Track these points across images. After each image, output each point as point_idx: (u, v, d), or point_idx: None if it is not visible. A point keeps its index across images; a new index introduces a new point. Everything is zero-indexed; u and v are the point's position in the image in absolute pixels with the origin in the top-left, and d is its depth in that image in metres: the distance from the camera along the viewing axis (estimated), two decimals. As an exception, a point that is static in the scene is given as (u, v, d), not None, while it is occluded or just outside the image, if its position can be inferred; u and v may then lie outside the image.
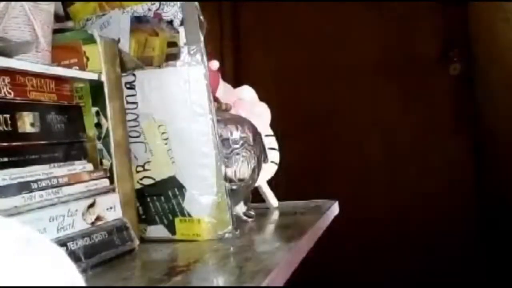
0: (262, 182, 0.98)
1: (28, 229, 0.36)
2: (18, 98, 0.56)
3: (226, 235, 0.71)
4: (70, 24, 0.84)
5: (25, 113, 0.56)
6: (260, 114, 0.97)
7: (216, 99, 0.79)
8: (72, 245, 0.55)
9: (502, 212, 2.03)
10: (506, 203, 2.01)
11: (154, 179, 0.74)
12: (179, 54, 0.73)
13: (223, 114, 0.84)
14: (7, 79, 0.55)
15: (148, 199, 0.75)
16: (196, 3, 0.73)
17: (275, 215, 0.94)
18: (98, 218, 0.61)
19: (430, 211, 2.12)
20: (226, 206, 0.72)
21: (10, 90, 0.55)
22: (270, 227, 0.86)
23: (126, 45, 0.74)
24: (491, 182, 2.08)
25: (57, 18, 0.94)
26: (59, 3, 0.90)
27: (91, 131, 0.67)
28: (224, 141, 0.78)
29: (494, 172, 2.08)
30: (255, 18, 2.33)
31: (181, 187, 0.73)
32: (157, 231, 0.74)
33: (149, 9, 0.75)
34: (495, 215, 2.05)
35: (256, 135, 0.85)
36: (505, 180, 2.03)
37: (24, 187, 0.53)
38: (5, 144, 0.53)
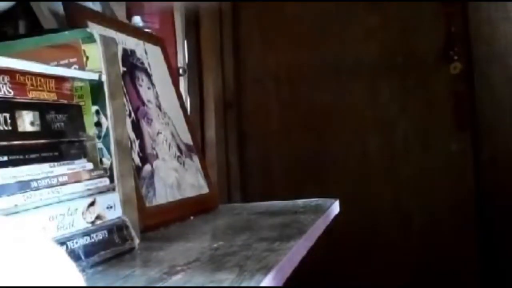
0: None
1: (28, 228, 0.36)
2: (18, 97, 0.56)
3: None
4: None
5: (24, 112, 0.56)
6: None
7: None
8: (71, 244, 0.55)
9: (501, 212, 2.03)
10: (506, 203, 2.01)
11: None
12: None
13: None
14: (6, 78, 0.55)
15: None
16: None
17: (275, 214, 0.93)
18: (98, 217, 0.61)
19: (430, 210, 2.12)
20: None
21: (9, 89, 0.55)
22: (270, 226, 0.86)
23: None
24: (491, 181, 2.08)
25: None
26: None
27: (91, 130, 0.67)
28: None
29: (493, 172, 2.07)
30: (255, 18, 2.33)
31: None
32: None
33: None
34: (495, 215, 2.05)
35: None
36: (505, 180, 2.03)
37: (24, 186, 0.53)
38: (4, 143, 0.53)
